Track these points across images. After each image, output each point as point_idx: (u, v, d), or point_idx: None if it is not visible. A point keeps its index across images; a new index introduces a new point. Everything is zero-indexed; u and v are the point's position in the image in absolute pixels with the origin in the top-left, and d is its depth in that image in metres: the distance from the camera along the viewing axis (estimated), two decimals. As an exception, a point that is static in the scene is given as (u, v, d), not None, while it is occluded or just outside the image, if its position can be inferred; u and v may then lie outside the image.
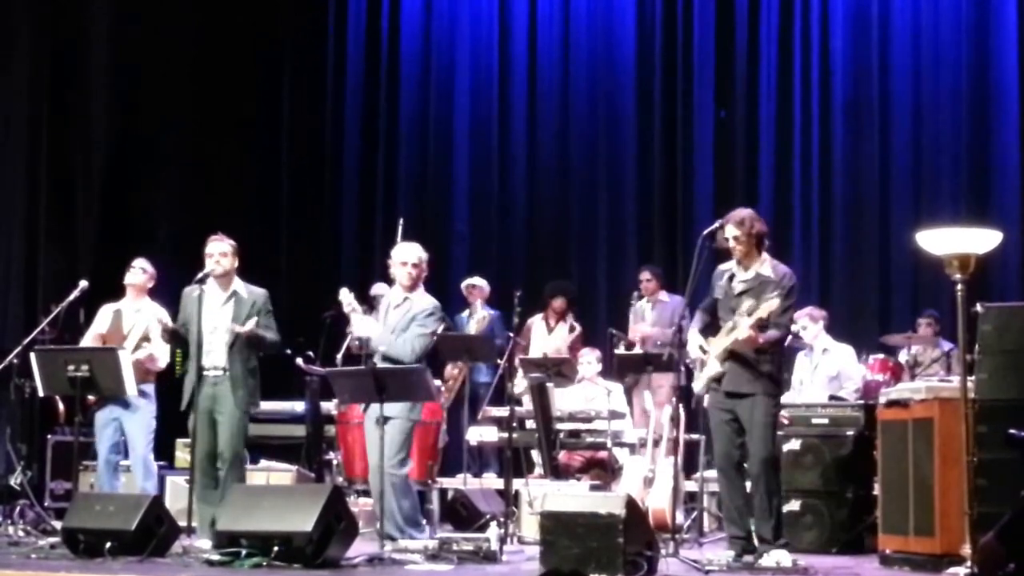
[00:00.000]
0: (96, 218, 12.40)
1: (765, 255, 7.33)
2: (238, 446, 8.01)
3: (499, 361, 9.88)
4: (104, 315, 8.73)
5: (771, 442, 7.22)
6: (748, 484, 7.32)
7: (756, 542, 7.20)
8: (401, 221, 9.14)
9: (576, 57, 13.08)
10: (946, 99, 11.89)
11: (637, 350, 10.31)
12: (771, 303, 7.06)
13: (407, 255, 8.06)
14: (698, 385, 7.42)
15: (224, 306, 8.06)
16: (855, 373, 9.82)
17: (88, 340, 8.71)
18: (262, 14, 13.25)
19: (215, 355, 7.96)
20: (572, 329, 11.13)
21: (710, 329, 7.40)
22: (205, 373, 7.95)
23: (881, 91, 12.08)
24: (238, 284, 8.12)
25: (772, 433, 7.23)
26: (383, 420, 7.49)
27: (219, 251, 8.05)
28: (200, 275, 8.08)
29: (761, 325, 7.08)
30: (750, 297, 7.19)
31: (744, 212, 7.35)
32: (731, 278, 7.34)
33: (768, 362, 7.19)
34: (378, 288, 9.14)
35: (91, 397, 8.46)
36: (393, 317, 7.98)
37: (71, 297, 8.93)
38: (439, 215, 13.16)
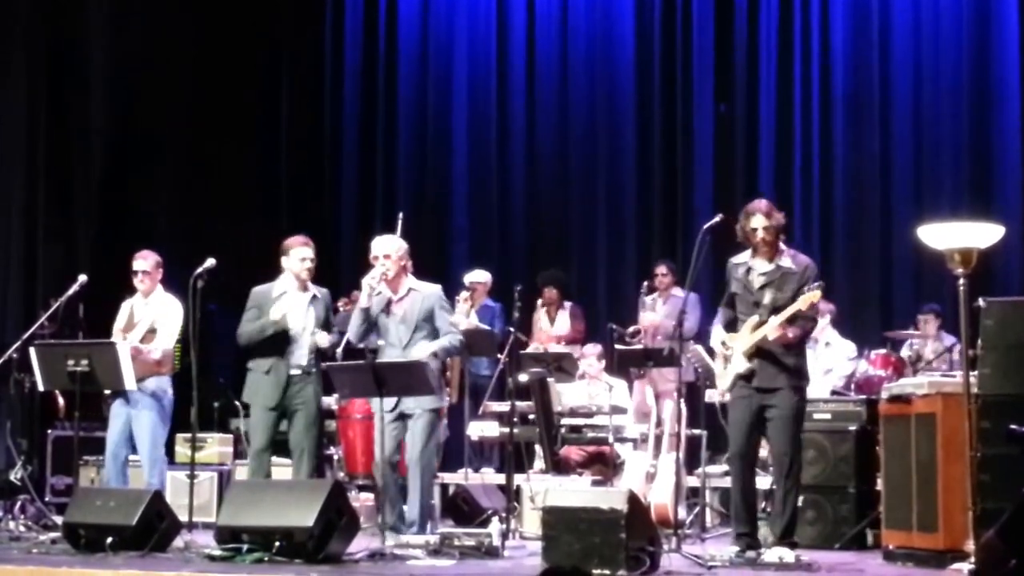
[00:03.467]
0: (95, 213, 12.39)
1: (783, 246, 7.23)
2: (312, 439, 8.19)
3: (499, 355, 9.87)
4: (123, 311, 8.72)
5: (795, 436, 7.14)
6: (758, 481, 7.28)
7: (763, 537, 7.19)
8: (400, 216, 9.10)
9: (575, 50, 13.05)
10: (947, 92, 11.87)
11: (641, 342, 10.28)
12: (814, 294, 6.98)
13: (382, 248, 8.03)
14: (724, 382, 7.29)
15: (308, 308, 8.19)
16: (844, 368, 9.82)
17: (114, 338, 8.68)
18: (260, 10, 13.22)
19: (302, 354, 8.17)
20: (573, 315, 11.13)
21: (733, 324, 7.28)
22: (291, 372, 8.18)
23: (882, 84, 12.05)
24: (311, 285, 8.29)
25: (796, 427, 7.15)
26: (400, 416, 7.61)
27: (311, 256, 8.26)
28: (200, 269, 8.12)
29: (790, 320, 7.01)
30: (772, 290, 7.09)
31: (765, 204, 7.20)
32: (748, 271, 7.21)
33: (794, 355, 7.12)
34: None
35: (106, 391, 8.44)
36: (400, 310, 7.92)
37: (70, 292, 8.89)
38: (439, 210, 13.15)
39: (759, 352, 7.09)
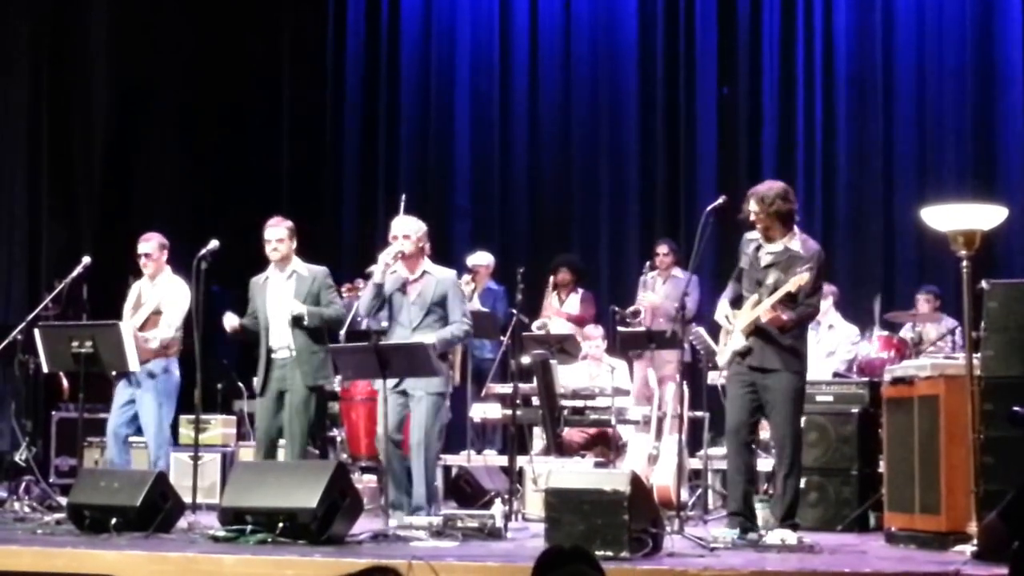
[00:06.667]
0: (98, 195, 12.40)
1: (796, 230, 7.21)
2: (303, 422, 8.03)
3: (502, 337, 9.87)
4: (132, 293, 8.74)
5: (794, 419, 7.13)
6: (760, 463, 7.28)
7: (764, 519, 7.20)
8: (403, 197, 9.11)
9: (578, 32, 13.02)
10: (951, 73, 11.84)
11: (641, 323, 10.28)
12: (801, 277, 6.95)
13: (401, 228, 8.02)
14: (722, 358, 7.33)
15: (285, 286, 8.16)
16: (846, 353, 9.82)
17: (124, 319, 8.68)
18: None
19: (280, 335, 8.09)
20: (585, 299, 11.10)
21: (739, 300, 7.27)
22: (273, 355, 8.09)
23: (885, 66, 12.02)
24: (297, 264, 8.21)
25: (796, 410, 7.14)
26: (403, 392, 7.63)
27: (276, 237, 8.16)
28: (204, 251, 8.12)
29: (789, 300, 6.99)
30: (777, 270, 7.08)
31: (768, 189, 7.19)
32: (758, 248, 7.22)
33: (793, 337, 7.10)
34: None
35: (112, 372, 8.44)
36: (414, 291, 7.94)
37: (74, 274, 8.91)
38: (441, 191, 13.13)
39: (757, 331, 7.09)
